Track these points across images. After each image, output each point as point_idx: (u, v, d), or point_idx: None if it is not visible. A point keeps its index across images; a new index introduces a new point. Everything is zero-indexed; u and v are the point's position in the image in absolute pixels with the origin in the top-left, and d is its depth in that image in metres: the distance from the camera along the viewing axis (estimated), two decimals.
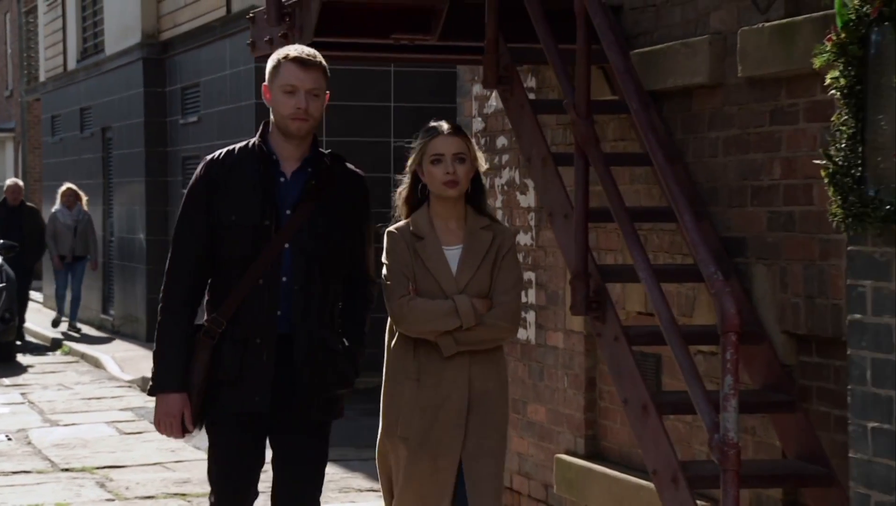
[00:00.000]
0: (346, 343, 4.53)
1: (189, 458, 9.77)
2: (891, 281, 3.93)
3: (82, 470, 9.34)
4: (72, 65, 20.00)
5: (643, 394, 4.98)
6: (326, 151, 4.54)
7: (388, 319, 4.87)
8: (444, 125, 4.82)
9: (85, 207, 17.27)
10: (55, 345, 16.90)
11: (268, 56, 4.60)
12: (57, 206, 17.21)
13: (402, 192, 4.92)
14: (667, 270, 5.67)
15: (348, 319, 4.58)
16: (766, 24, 5.12)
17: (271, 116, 4.48)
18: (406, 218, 4.88)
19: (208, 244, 4.46)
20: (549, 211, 5.70)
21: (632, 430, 5.19)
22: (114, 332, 17.52)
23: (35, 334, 17.79)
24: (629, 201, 5.71)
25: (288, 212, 4.44)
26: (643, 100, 5.23)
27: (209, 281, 4.52)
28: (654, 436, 4.89)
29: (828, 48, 3.99)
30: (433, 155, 4.77)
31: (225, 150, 4.54)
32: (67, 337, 17.18)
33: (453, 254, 4.82)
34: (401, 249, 4.79)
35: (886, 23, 3.81)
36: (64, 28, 20.22)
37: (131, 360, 14.99)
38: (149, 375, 14.29)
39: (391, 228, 4.85)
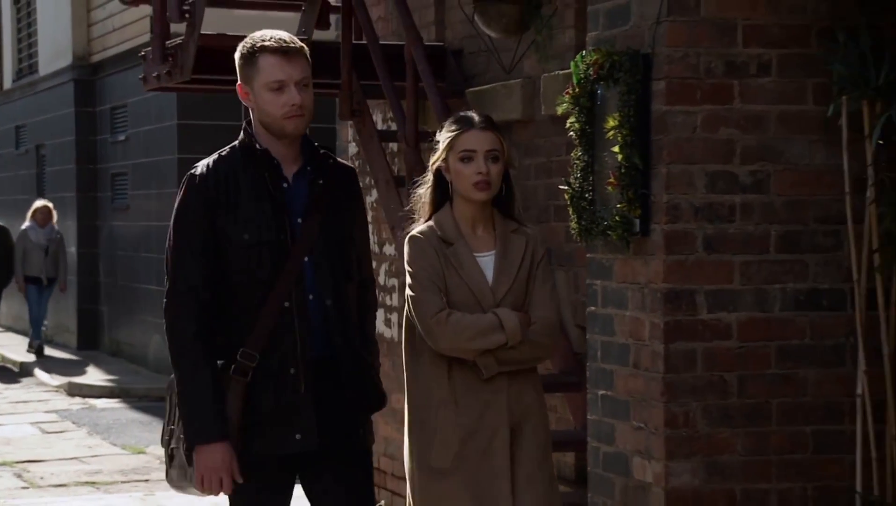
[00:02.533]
0: (369, 361, 4.18)
1: (104, 453, 10.84)
2: (613, 280, 5.12)
3: (2, 464, 10.32)
4: (7, 84, 21.09)
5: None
6: (318, 145, 4.13)
7: (406, 336, 4.32)
8: (476, 117, 4.30)
9: (55, 225, 16.77)
10: (24, 371, 16.38)
11: (159, 90, 5.42)
12: (27, 223, 16.68)
13: (424, 192, 4.36)
14: None
15: (361, 330, 4.18)
16: (561, 72, 6.29)
17: (252, 116, 4.03)
18: (427, 220, 4.33)
19: (213, 269, 3.95)
20: (391, 225, 6.85)
21: None
22: (46, 341, 18.54)
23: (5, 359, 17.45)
24: None
25: (299, 221, 3.99)
26: None
27: (221, 310, 4.00)
28: None
29: (566, 99, 5.17)
30: (463, 151, 4.24)
31: (210, 160, 4.03)
32: (39, 356, 16.84)
33: (486, 261, 4.30)
34: (430, 256, 4.23)
35: (602, 81, 4.99)
36: (0, 49, 21.30)
37: (60, 367, 16.01)
38: (77, 379, 15.31)
39: (414, 231, 4.29)
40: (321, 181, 4.02)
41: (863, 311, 4.88)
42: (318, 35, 7.30)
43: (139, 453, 10.81)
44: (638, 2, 5.02)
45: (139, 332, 15.88)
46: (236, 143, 4.05)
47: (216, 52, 6.79)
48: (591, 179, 5.13)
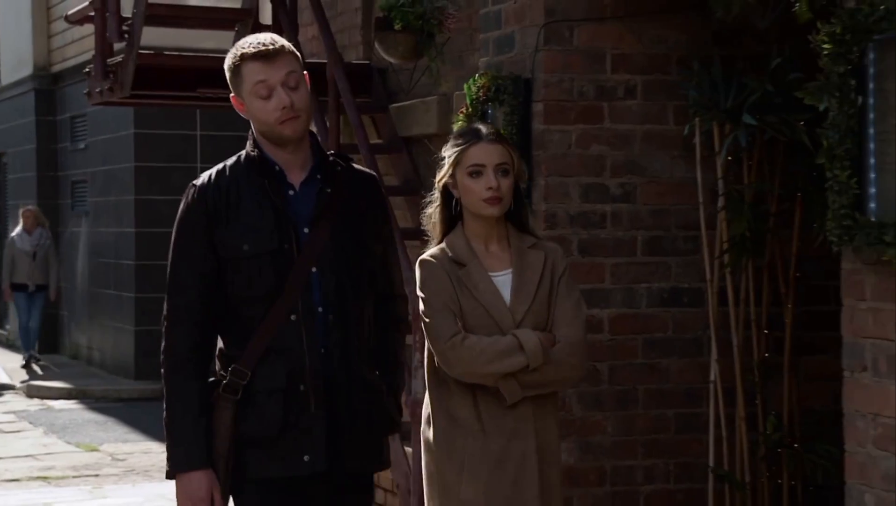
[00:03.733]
0: (385, 377, 3.92)
1: (58, 451, 11.42)
2: None
3: None
4: None
5: None
6: (331, 153, 3.96)
7: (428, 363, 4.15)
8: (483, 129, 4.13)
9: (45, 231, 16.52)
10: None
11: (102, 104, 5.94)
12: (17, 229, 16.44)
13: (433, 211, 4.18)
14: None
15: (381, 348, 3.93)
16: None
17: (252, 127, 3.85)
18: (439, 241, 4.15)
19: (214, 286, 3.77)
20: None
21: None
22: (7, 345, 19.13)
23: None
24: None
25: (306, 230, 3.79)
26: (368, 145, 7.08)
27: (220, 328, 3.83)
28: None
29: (461, 117, 5.89)
30: (471, 166, 4.05)
31: (213, 170, 3.86)
32: (30, 368, 16.52)
33: (502, 281, 4.08)
34: (441, 280, 4.05)
35: (491, 102, 5.72)
36: None
37: (19, 369, 16.61)
38: (35, 382, 15.88)
39: (424, 255, 4.12)
40: (329, 189, 3.81)
41: (715, 307, 5.61)
42: None
43: (92, 450, 11.40)
44: (520, 32, 5.75)
45: (98, 336, 16.50)
46: (242, 152, 3.85)
47: (154, 70, 7.47)
48: None
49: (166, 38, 10.08)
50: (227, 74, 3.83)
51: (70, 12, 8.33)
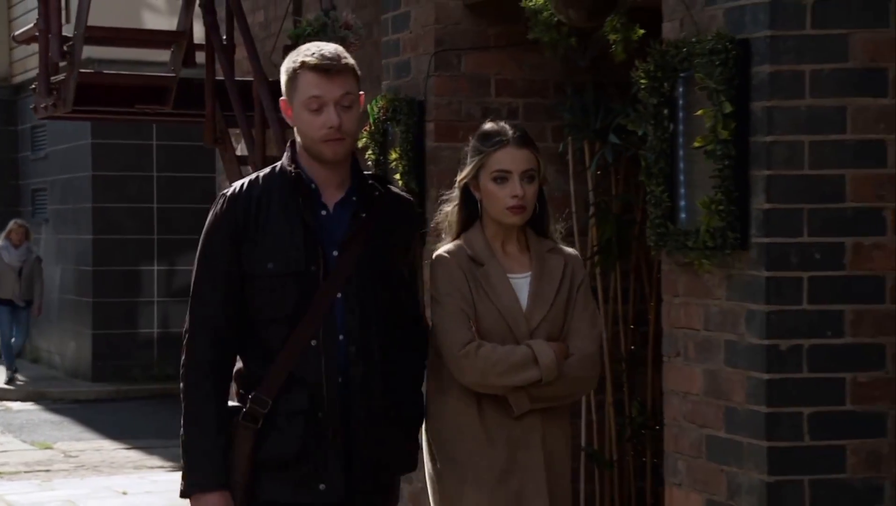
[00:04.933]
0: (406, 407, 3.83)
1: (14, 448, 12.11)
2: None
3: None
4: None
5: None
6: (368, 174, 3.84)
7: (431, 367, 3.99)
8: (510, 130, 3.95)
9: (31, 246, 16.51)
10: None
11: (48, 118, 6.50)
12: (2, 243, 16.27)
13: (451, 210, 4.05)
14: None
15: (405, 373, 3.83)
16: None
17: (296, 136, 3.75)
18: (455, 239, 4.01)
19: (237, 302, 3.68)
20: None
21: None
22: None
23: None
24: None
25: (335, 253, 3.68)
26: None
27: (241, 347, 3.74)
28: None
29: (365, 135, 6.69)
30: (497, 171, 3.90)
31: (246, 180, 3.77)
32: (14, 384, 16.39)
33: (519, 284, 3.95)
34: (457, 279, 3.90)
35: (390, 121, 6.53)
36: None
37: None
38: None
39: (440, 251, 3.97)
40: (364, 213, 3.70)
41: None
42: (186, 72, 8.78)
43: (46, 448, 12.09)
44: (415, 59, 6.56)
45: (58, 339, 17.24)
46: (278, 163, 3.76)
47: (94, 87, 8.26)
48: None
49: (130, 52, 10.90)
50: (283, 77, 3.69)
51: (17, 32, 9.11)
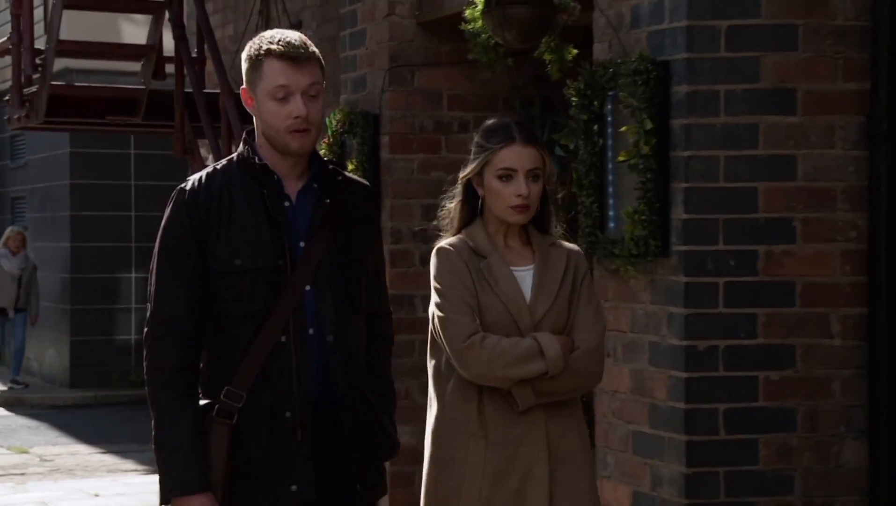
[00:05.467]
0: (381, 398, 3.77)
1: None
2: None
3: None
4: None
5: None
6: (327, 160, 3.74)
7: (431, 360, 3.97)
8: (517, 129, 3.92)
9: (30, 253, 16.53)
10: None
11: (21, 129, 6.81)
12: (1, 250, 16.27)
13: (453, 206, 4.02)
14: None
15: (374, 367, 3.78)
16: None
17: (256, 126, 3.64)
18: (456, 233, 3.99)
19: (202, 299, 3.57)
20: None
21: None
22: None
23: None
24: None
25: (302, 245, 3.60)
26: None
27: (206, 346, 3.64)
28: None
29: (324, 146, 7.07)
30: (502, 169, 3.85)
31: (203, 173, 3.66)
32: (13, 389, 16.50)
33: (522, 276, 3.92)
34: (461, 271, 3.86)
35: (347, 134, 6.92)
36: None
37: None
38: None
39: (442, 243, 3.94)
40: (328, 200, 3.63)
41: None
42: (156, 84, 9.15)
43: (23, 452, 12.40)
44: (371, 74, 6.95)
45: (36, 346, 17.58)
46: (234, 155, 3.67)
47: (66, 99, 8.62)
48: None
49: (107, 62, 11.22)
50: (245, 65, 3.60)
51: None
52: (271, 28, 9.21)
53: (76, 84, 8.66)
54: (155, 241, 3.62)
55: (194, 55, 8.73)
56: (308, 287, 3.58)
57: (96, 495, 9.76)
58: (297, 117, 3.51)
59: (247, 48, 3.61)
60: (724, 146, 4.90)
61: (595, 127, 5.20)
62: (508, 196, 3.83)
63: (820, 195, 4.94)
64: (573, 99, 5.21)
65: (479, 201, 3.94)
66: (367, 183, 3.88)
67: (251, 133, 3.66)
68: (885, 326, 4.83)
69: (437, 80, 6.84)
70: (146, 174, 16.27)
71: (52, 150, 16.78)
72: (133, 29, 14.60)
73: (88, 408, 15.53)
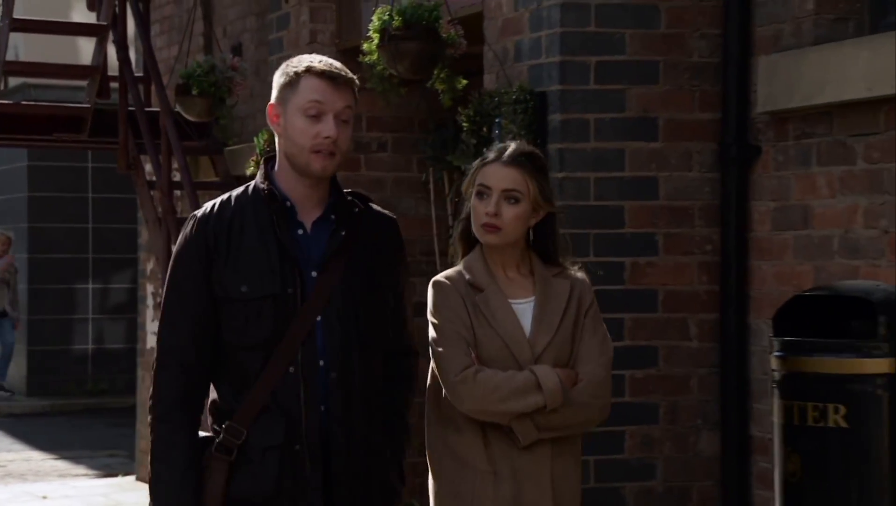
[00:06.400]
0: (390, 442, 3.70)
1: None
2: None
3: None
4: None
5: None
6: (348, 191, 3.70)
7: (432, 397, 3.89)
8: (509, 149, 3.88)
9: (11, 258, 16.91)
10: None
11: None
12: None
13: (456, 224, 4.03)
14: None
15: (389, 408, 3.69)
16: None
17: (277, 148, 3.62)
18: (462, 257, 3.95)
19: (208, 328, 3.56)
20: (156, 256, 9.35)
21: None
22: None
23: None
24: None
25: (314, 274, 3.55)
26: (191, 183, 8.85)
27: (214, 376, 3.61)
28: None
29: (252, 163, 7.74)
30: (479, 186, 3.85)
31: (217, 200, 3.64)
32: None
33: (522, 309, 3.86)
34: (455, 304, 3.81)
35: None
36: None
37: None
38: None
39: (439, 276, 3.91)
40: (344, 232, 3.57)
41: None
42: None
43: None
44: None
45: None
46: (251, 183, 3.65)
47: (14, 116, 9.29)
48: None
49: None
50: (280, 80, 3.57)
51: None
52: (212, 50, 9.93)
53: (23, 102, 9.31)
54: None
55: (139, 75, 9.39)
56: (319, 318, 3.54)
57: (44, 498, 10.24)
58: (326, 137, 3.48)
59: (284, 66, 3.59)
60: (594, 169, 5.59)
61: (484, 150, 5.86)
62: (480, 214, 3.81)
63: (679, 213, 5.64)
64: (464, 124, 5.88)
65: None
66: (392, 216, 3.77)
67: (270, 159, 3.65)
68: (735, 329, 5.53)
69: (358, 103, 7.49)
70: (103, 187, 16.92)
71: (9, 163, 17.40)
72: (90, 47, 15.26)
73: (45, 416, 16.09)
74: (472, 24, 6.09)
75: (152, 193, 9.41)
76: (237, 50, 9.33)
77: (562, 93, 5.57)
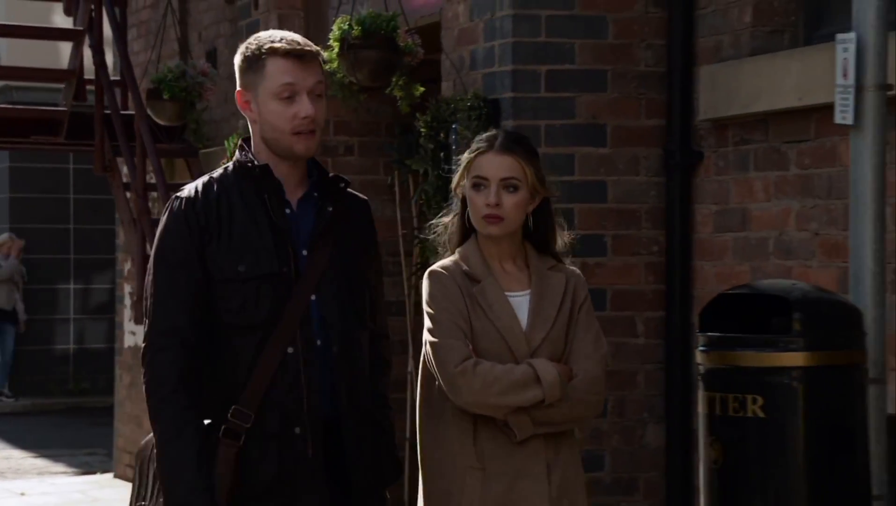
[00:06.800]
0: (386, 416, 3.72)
1: None
2: None
3: None
4: None
5: None
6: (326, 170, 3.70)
7: (423, 390, 3.86)
8: (500, 136, 3.86)
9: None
10: None
11: None
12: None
13: (450, 220, 3.97)
14: None
15: (377, 386, 3.71)
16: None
17: (252, 133, 3.59)
18: (452, 252, 3.93)
19: (203, 308, 3.48)
20: (132, 256, 9.61)
21: None
22: None
23: None
24: None
25: (305, 252, 3.53)
26: (165, 185, 9.11)
27: (207, 361, 3.52)
28: None
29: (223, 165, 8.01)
30: (475, 177, 3.81)
31: (199, 182, 3.58)
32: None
33: (518, 302, 3.84)
34: (453, 295, 3.78)
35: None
36: None
37: None
38: None
39: (435, 266, 3.88)
40: (330, 208, 3.56)
41: (412, 316, 7.73)
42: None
43: None
44: None
45: None
46: (229, 163, 3.61)
47: None
48: None
49: None
50: (241, 65, 3.52)
51: None
52: (188, 54, 10.20)
53: (0, 105, 9.57)
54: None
55: (115, 79, 9.65)
56: (313, 296, 3.51)
57: (22, 494, 10.43)
58: (304, 117, 3.46)
59: (241, 49, 3.54)
60: (546, 172, 5.86)
61: (441, 154, 6.16)
62: (480, 206, 3.77)
63: (627, 215, 5.94)
64: (422, 130, 6.16)
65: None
66: (364, 197, 3.78)
67: (246, 141, 3.61)
68: (679, 326, 5.82)
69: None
70: (84, 188, 17.17)
71: None
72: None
73: (27, 416, 16.30)
74: (431, 34, 6.38)
75: (128, 194, 9.68)
76: (212, 55, 9.60)
77: (514, 100, 5.86)
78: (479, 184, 3.79)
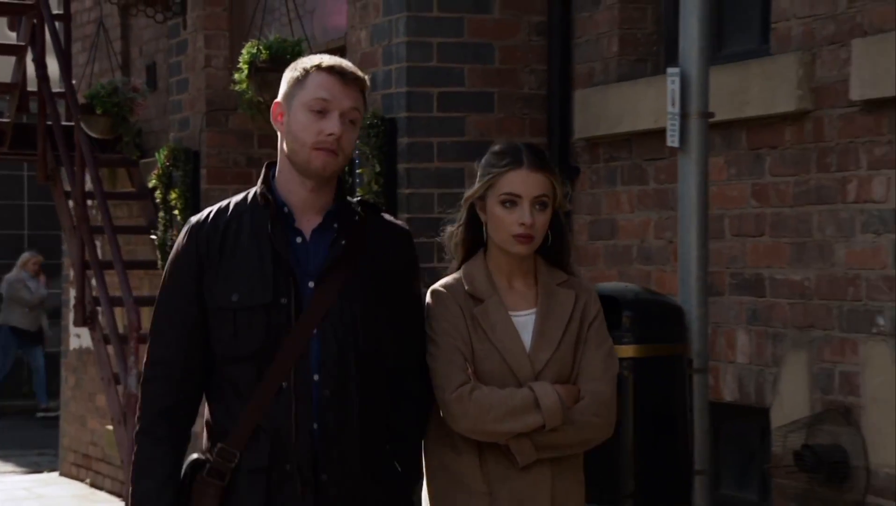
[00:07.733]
0: (398, 469, 3.59)
1: None
2: None
3: None
4: None
5: (107, 373, 9.41)
6: (355, 200, 3.62)
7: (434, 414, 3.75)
8: (526, 152, 3.72)
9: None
10: None
11: None
12: (21, 275, 16.88)
13: (456, 230, 3.85)
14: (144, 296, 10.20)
15: (397, 433, 3.59)
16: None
17: (279, 150, 3.54)
18: (459, 265, 3.81)
19: (198, 340, 3.48)
20: (71, 261, 10.18)
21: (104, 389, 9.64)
22: None
23: None
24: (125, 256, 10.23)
25: (311, 285, 3.45)
26: (103, 194, 9.67)
27: (207, 392, 3.53)
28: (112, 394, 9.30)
29: (154, 177, 8.60)
30: (505, 194, 3.68)
31: (215, 207, 3.57)
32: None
33: (524, 322, 3.74)
34: (453, 316, 3.70)
35: (173, 167, 8.45)
36: None
37: None
38: None
39: (437, 285, 3.77)
40: (345, 241, 3.46)
41: None
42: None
43: None
44: (193, 116, 8.53)
45: None
46: (252, 189, 3.56)
47: None
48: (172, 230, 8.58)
49: None
50: (287, 78, 3.51)
51: None
52: (129, 68, 10.76)
53: None
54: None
55: (58, 91, 10.21)
56: (315, 331, 3.43)
57: None
58: (329, 134, 3.40)
59: (292, 66, 3.55)
60: (438, 185, 6.50)
61: (346, 168, 6.76)
62: (511, 224, 3.66)
63: None
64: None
65: (482, 229, 3.76)
66: (404, 226, 3.70)
67: (272, 165, 3.56)
68: None
69: (248, 121, 8.38)
70: (38, 195, 17.67)
71: None
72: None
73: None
74: (339, 56, 6.98)
75: (69, 202, 10.24)
76: (151, 69, 10.19)
77: (409, 119, 6.48)
78: (509, 201, 3.68)
